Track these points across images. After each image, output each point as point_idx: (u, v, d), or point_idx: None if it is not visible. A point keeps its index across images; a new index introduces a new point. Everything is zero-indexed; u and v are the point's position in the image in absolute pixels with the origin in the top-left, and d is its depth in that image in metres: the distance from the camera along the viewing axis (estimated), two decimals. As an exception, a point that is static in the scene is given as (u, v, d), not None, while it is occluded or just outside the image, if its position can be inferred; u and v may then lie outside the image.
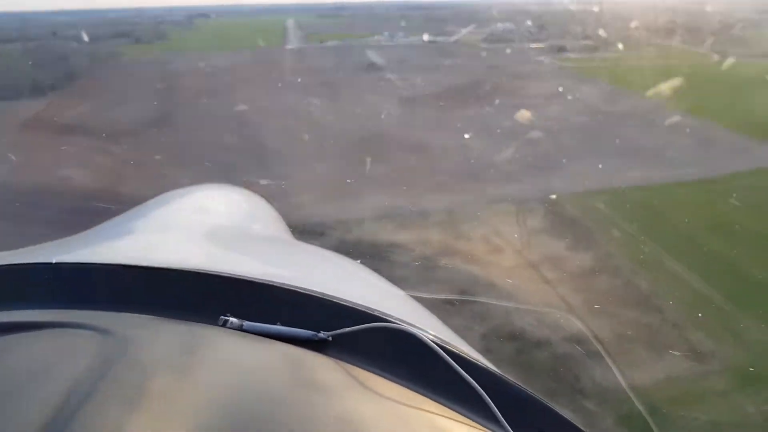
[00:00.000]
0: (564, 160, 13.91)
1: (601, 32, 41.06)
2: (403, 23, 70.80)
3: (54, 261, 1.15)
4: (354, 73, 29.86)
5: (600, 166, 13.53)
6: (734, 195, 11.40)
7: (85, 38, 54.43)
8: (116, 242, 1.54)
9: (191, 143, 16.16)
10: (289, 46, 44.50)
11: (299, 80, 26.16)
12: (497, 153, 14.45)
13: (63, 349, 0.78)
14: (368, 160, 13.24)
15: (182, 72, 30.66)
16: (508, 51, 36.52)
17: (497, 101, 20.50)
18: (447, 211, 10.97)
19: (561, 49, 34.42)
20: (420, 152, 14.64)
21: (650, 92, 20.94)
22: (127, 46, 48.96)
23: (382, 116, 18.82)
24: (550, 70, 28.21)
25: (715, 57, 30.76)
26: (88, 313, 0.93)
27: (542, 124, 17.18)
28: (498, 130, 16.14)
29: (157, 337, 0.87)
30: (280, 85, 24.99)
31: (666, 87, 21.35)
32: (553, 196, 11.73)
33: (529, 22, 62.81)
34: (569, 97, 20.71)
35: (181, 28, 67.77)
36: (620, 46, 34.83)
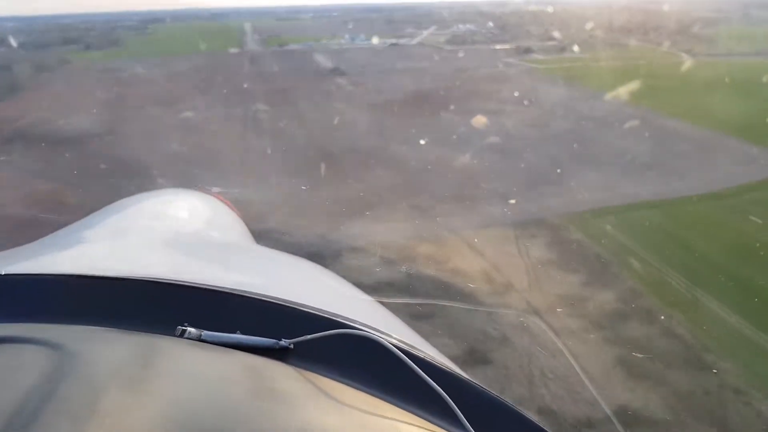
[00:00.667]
0: (558, 171, 12.45)
1: (564, 33, 40.26)
2: (363, 26, 69.35)
3: (2, 273, 1.08)
4: (314, 76, 27.98)
5: (597, 177, 12.12)
6: (749, 211, 10.11)
7: (34, 45, 52.29)
8: (69, 251, 1.49)
9: (131, 154, 14.13)
10: (246, 49, 42.10)
11: (254, 85, 24.25)
12: (475, 165, 12.90)
13: (9, 365, 0.74)
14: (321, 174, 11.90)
15: (130, 79, 28.57)
16: (473, 52, 35.27)
17: (469, 106, 19.04)
18: (434, 237, 9.34)
19: (527, 51, 33.29)
20: (392, 167, 12.99)
21: (627, 92, 19.85)
22: (76, 52, 46.69)
23: (340, 124, 17.16)
24: (520, 72, 26.94)
25: (682, 56, 30.10)
26: (37, 327, 0.89)
27: (523, 130, 15.75)
28: (476, 140, 14.60)
29: (111, 349, 0.82)
30: (231, 90, 23.10)
31: (642, 87, 20.30)
32: (549, 216, 10.23)
33: (490, 24, 61.99)
34: (545, 101, 19.39)
35: (135, 34, 65.33)
36: (585, 46, 33.92)
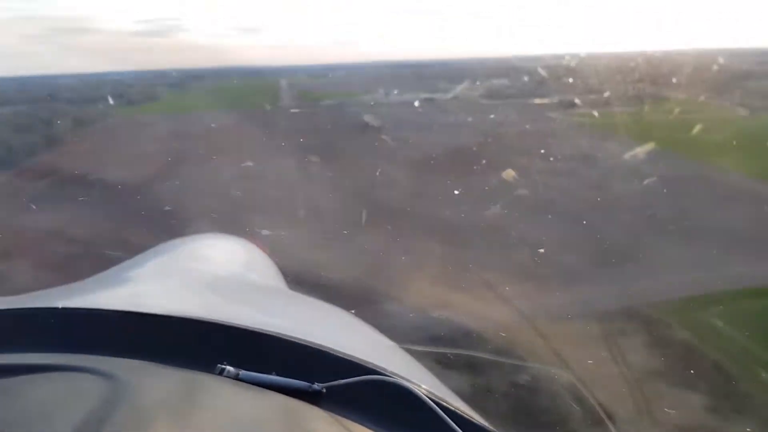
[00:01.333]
0: (638, 243, 10.48)
1: (605, 86, 38.75)
2: (395, 82, 69.19)
3: (60, 306, 1.14)
4: (349, 131, 26.79)
5: (687, 253, 10.10)
6: None
7: (78, 101, 53.77)
8: (119, 289, 1.59)
9: (168, 215, 12.88)
10: (281, 105, 41.64)
11: (288, 141, 23.13)
12: (539, 235, 11.03)
13: (67, 392, 0.80)
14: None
15: (167, 135, 28.03)
16: (512, 107, 33.84)
17: (519, 163, 17.33)
18: (503, 326, 7.45)
19: (571, 105, 31.68)
20: (444, 234, 11.22)
21: (693, 150, 17.91)
22: (118, 107, 47.32)
23: (380, 182, 15.62)
24: (567, 127, 25.26)
25: (739, 110, 28.08)
26: (91, 358, 0.93)
27: (587, 193, 13.89)
28: (534, 204, 12.81)
29: (157, 383, 0.86)
30: (265, 146, 22.01)
31: (709, 144, 18.33)
32: (640, 305, 8.24)
33: (525, 78, 61.06)
34: (606, 160, 17.54)
35: (175, 90, 66.39)
36: (631, 100, 32.24)
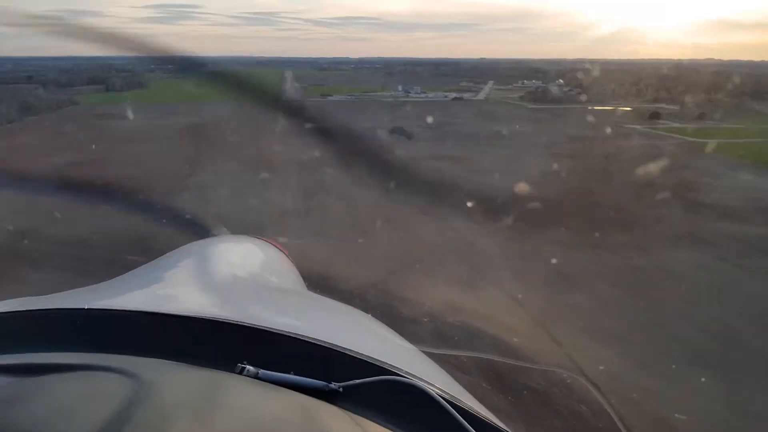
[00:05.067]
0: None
1: (670, 93, 31.29)
2: (411, 78, 61.35)
3: (86, 307, 1.14)
4: (371, 143, 19.16)
5: None
6: None
7: (57, 85, 47.30)
8: (142, 290, 1.55)
9: None
10: (283, 100, 33.86)
11: (282, 155, 15.60)
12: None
13: (92, 391, 0.80)
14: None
15: (126, 124, 21.09)
16: (571, 114, 26.30)
17: (624, 200, 10.01)
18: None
19: (655, 115, 24.07)
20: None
21: None
22: (92, 94, 40.59)
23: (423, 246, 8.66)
24: (673, 146, 17.75)
25: None
26: (115, 357, 0.93)
27: None
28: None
29: (179, 382, 0.86)
30: (256, 157, 14.60)
31: None
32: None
33: (560, 81, 53.27)
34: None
35: (169, 77, 59.46)
36: (717, 110, 24.71)
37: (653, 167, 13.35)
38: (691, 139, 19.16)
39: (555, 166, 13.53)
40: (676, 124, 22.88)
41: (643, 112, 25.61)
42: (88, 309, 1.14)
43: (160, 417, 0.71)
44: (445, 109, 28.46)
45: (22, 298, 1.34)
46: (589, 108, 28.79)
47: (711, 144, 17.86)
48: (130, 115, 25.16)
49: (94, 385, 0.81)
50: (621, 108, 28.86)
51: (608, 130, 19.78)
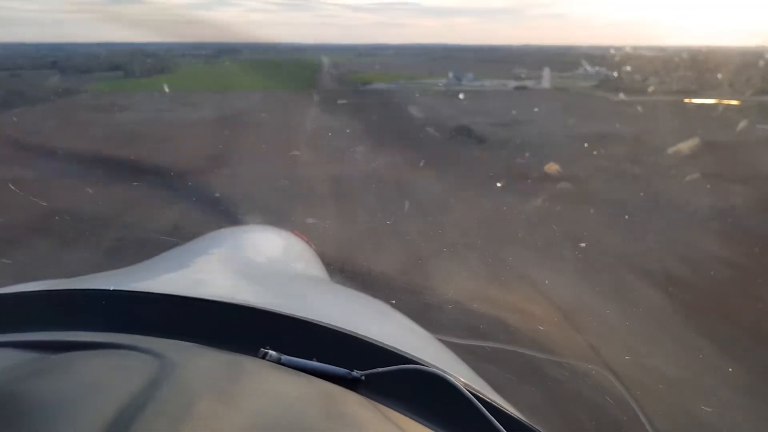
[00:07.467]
0: None
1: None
2: (459, 65, 56.01)
3: (112, 288, 1.15)
4: (428, 145, 14.50)
5: None
6: None
7: (76, 71, 44.08)
8: (168, 274, 1.59)
9: None
10: (320, 88, 29.11)
11: (308, 162, 11.25)
12: None
13: (117, 368, 0.80)
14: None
15: (130, 117, 18.63)
16: (670, 108, 21.03)
17: None
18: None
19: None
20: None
21: None
22: (108, 80, 36.88)
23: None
24: None
25: None
26: (140, 338, 0.94)
27: None
28: None
29: (203, 363, 0.87)
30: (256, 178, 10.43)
31: None
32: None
33: (627, 68, 47.27)
34: None
35: (199, 63, 55.84)
36: None
37: None
38: None
39: (736, 199, 8.68)
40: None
41: (766, 107, 20.15)
42: (115, 290, 1.13)
43: (185, 395, 0.70)
44: (510, 100, 23.45)
45: (53, 280, 1.38)
46: (686, 101, 23.40)
47: None
48: (137, 105, 21.21)
49: (120, 362, 0.81)
50: (725, 101, 23.36)
51: (750, 133, 14.56)
